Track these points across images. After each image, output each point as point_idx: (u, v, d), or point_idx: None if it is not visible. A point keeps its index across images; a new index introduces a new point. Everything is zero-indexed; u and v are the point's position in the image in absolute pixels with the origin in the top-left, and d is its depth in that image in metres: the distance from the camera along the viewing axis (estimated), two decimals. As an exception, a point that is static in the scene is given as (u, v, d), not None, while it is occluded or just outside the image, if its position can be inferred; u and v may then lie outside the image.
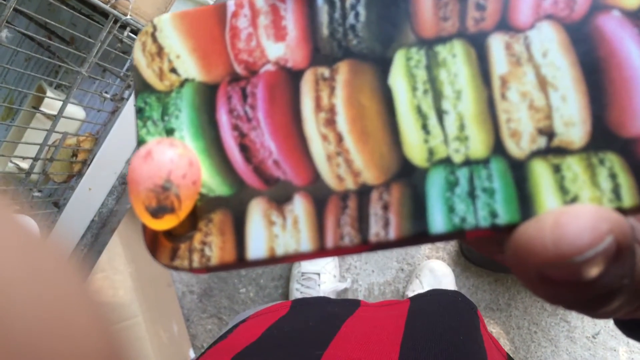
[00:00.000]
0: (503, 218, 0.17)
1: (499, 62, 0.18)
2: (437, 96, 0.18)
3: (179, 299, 1.48)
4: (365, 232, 0.18)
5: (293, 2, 0.19)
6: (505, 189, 0.17)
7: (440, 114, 0.18)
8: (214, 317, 1.47)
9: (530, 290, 0.17)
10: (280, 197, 0.18)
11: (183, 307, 1.48)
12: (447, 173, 0.17)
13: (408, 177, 0.18)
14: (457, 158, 0.18)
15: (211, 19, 0.20)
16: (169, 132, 0.19)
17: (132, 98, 0.74)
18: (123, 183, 0.82)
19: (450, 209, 0.17)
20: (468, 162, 0.17)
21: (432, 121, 0.18)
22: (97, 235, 0.81)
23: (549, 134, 0.17)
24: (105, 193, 0.80)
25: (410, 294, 1.33)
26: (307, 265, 1.34)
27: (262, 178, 0.19)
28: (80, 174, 0.74)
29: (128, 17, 0.65)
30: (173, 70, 0.20)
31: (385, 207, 0.18)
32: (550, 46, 0.17)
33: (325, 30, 0.19)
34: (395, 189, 0.18)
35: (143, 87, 0.20)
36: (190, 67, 0.20)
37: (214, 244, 0.18)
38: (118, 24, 0.65)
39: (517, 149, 0.17)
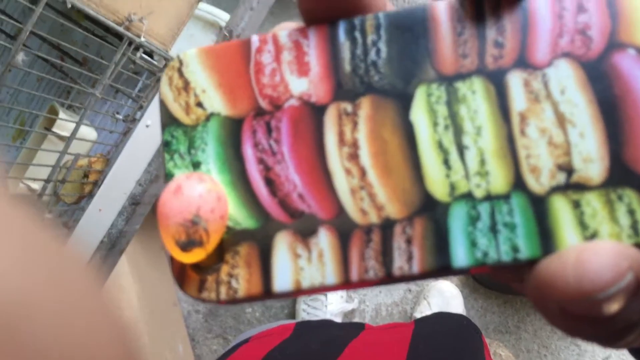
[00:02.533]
0: (525, 253, 0.17)
1: (517, 99, 0.18)
2: (458, 132, 0.18)
3: (185, 319, 1.47)
4: (389, 265, 0.18)
5: (316, 38, 0.19)
6: (526, 224, 0.17)
7: (461, 149, 0.18)
8: (219, 337, 1.46)
9: (549, 322, 0.17)
10: (305, 230, 0.19)
11: (188, 327, 1.46)
12: (468, 208, 0.18)
13: (430, 211, 0.18)
14: (479, 193, 0.18)
15: (236, 54, 0.20)
16: (196, 165, 0.20)
17: (143, 118, 0.74)
18: (133, 204, 0.81)
19: (473, 243, 0.17)
20: (489, 197, 0.18)
21: (453, 156, 0.18)
22: (106, 256, 0.81)
23: (568, 170, 0.17)
24: (115, 214, 0.80)
25: (418, 315, 1.32)
26: (314, 286, 1.33)
27: (287, 211, 0.19)
28: (91, 195, 0.73)
29: (142, 39, 0.65)
30: (199, 105, 0.20)
31: (409, 241, 0.18)
32: (567, 83, 0.18)
33: (347, 66, 0.19)
34: (418, 223, 0.18)
35: (170, 121, 0.20)
36: (215, 102, 0.20)
37: (240, 276, 0.19)
38: (132, 46, 0.65)
39: (537, 184, 0.17)
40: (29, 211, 0.14)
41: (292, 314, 1.41)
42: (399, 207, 0.18)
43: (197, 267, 0.19)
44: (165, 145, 0.20)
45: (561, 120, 0.18)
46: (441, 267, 0.18)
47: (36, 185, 0.69)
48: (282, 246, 0.19)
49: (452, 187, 0.18)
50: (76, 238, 0.75)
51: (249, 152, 0.19)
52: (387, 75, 0.19)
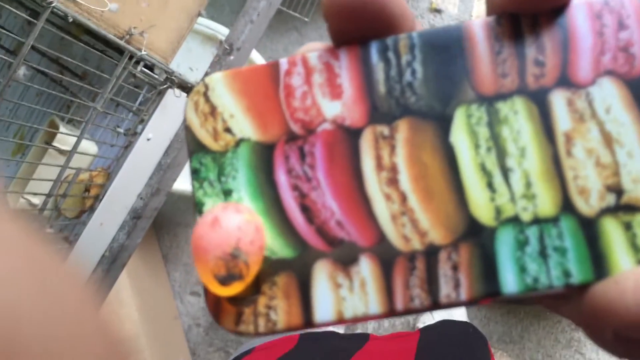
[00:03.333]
0: (577, 277, 0.17)
1: (562, 119, 0.17)
2: (501, 154, 0.18)
3: (185, 332, 1.46)
4: (435, 293, 0.17)
5: (347, 60, 0.19)
6: (577, 247, 0.17)
7: (505, 171, 0.18)
8: (220, 350, 1.45)
9: (600, 346, 0.17)
10: (345, 258, 0.18)
11: (189, 341, 1.45)
12: (516, 232, 0.17)
13: (476, 236, 0.17)
14: (526, 216, 0.17)
15: (264, 77, 0.19)
16: (227, 193, 0.19)
17: (144, 132, 0.74)
18: (134, 217, 0.81)
19: (522, 269, 0.17)
20: (537, 221, 0.17)
21: (498, 179, 0.18)
22: (108, 270, 0.80)
23: (618, 191, 0.17)
24: (116, 228, 0.79)
25: (421, 325, 1.31)
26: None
27: (325, 239, 0.18)
28: (92, 209, 0.73)
29: (143, 52, 0.65)
30: (227, 130, 0.19)
31: (455, 268, 0.17)
32: (612, 102, 0.17)
33: (382, 88, 0.19)
34: (464, 249, 0.17)
35: (197, 148, 0.19)
36: (245, 127, 0.19)
37: (279, 307, 0.18)
38: (133, 60, 0.65)
39: (587, 206, 0.17)
40: (26, 226, 0.14)
41: (294, 327, 1.40)
42: (443, 233, 0.18)
43: (233, 298, 0.18)
44: (194, 173, 0.19)
45: (608, 140, 0.17)
46: (489, 294, 0.17)
47: (37, 200, 0.69)
48: (322, 275, 0.18)
49: (498, 210, 0.17)
50: (77, 253, 0.74)
51: (282, 178, 0.19)
52: (424, 97, 0.18)
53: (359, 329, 1.42)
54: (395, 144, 0.18)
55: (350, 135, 0.19)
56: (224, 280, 0.17)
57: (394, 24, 0.18)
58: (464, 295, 0.17)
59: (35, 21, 0.51)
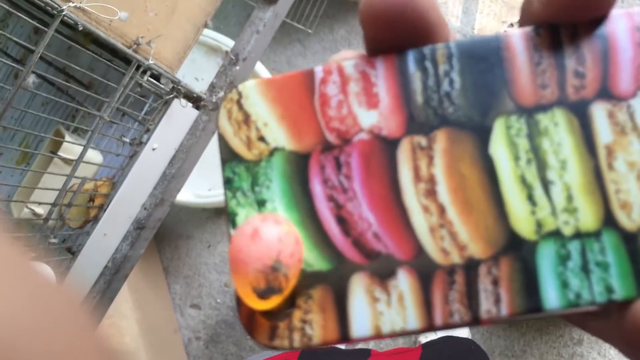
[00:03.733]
0: (619, 293, 0.16)
1: (603, 131, 0.17)
2: (542, 166, 0.17)
3: (185, 346, 1.44)
4: (475, 308, 0.17)
5: (384, 69, 0.19)
6: (620, 262, 0.17)
7: (545, 184, 0.17)
8: (220, 364, 1.43)
9: None
10: (382, 271, 0.18)
11: (189, 355, 1.44)
12: (558, 246, 0.17)
13: (517, 250, 0.17)
14: (567, 230, 0.17)
15: (298, 85, 0.19)
16: (261, 203, 0.19)
17: (150, 142, 0.74)
18: (138, 228, 0.80)
19: (564, 284, 0.17)
20: (579, 235, 0.17)
21: (538, 192, 0.17)
22: (110, 281, 0.79)
23: None
24: (119, 238, 0.79)
25: (423, 339, 1.30)
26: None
27: (362, 252, 0.18)
28: (96, 219, 0.72)
29: (151, 61, 0.65)
30: (261, 139, 0.19)
31: (495, 282, 0.17)
32: None
33: (419, 98, 0.18)
34: (505, 263, 0.17)
35: (230, 157, 0.19)
36: (279, 136, 0.19)
37: (315, 322, 0.18)
38: (140, 70, 0.65)
39: (629, 220, 0.17)
40: (20, 247, 0.14)
41: (295, 340, 1.39)
42: (483, 246, 0.17)
43: (268, 312, 0.18)
44: (227, 182, 0.19)
45: None
46: (531, 310, 0.17)
47: (41, 210, 0.68)
48: (359, 289, 0.18)
49: (539, 224, 0.17)
50: (80, 264, 0.74)
51: (317, 188, 0.18)
52: (462, 107, 0.18)
53: (360, 344, 1.41)
54: (433, 155, 0.18)
55: (387, 146, 0.18)
56: (263, 294, 0.17)
57: (430, 33, 0.18)
58: (504, 310, 0.17)
59: (45, 29, 0.51)
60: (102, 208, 0.72)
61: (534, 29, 0.18)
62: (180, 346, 1.42)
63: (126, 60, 0.66)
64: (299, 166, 0.19)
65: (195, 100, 0.76)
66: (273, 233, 0.17)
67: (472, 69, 0.18)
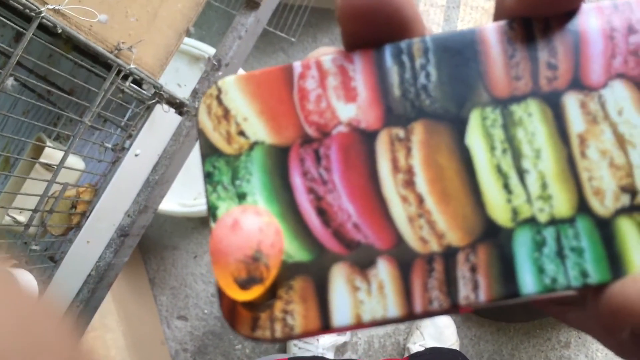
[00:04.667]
0: (594, 278, 0.17)
1: (575, 121, 0.18)
2: (517, 155, 0.18)
3: (172, 358, 1.43)
4: (454, 295, 0.17)
5: (362, 63, 0.19)
6: (594, 247, 0.17)
7: (521, 173, 0.18)
8: (208, 376, 1.42)
9: (614, 349, 0.18)
10: (362, 261, 0.18)
11: (176, 367, 1.42)
12: (533, 233, 0.18)
13: (494, 237, 0.18)
14: (542, 217, 0.18)
15: (277, 80, 0.19)
16: (241, 196, 0.19)
17: (132, 147, 0.73)
18: (121, 235, 0.79)
19: (540, 270, 0.17)
20: (554, 222, 0.18)
21: (514, 180, 0.18)
22: (94, 290, 0.78)
23: (632, 191, 0.17)
24: (103, 246, 0.78)
25: (411, 345, 1.30)
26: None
27: (342, 242, 0.18)
28: (78, 226, 0.72)
29: (132, 66, 0.65)
30: (241, 133, 0.19)
31: (473, 269, 0.18)
32: (624, 105, 0.18)
33: (396, 91, 0.19)
34: (482, 251, 0.18)
35: (210, 151, 0.19)
36: (259, 130, 0.19)
37: (296, 312, 0.18)
38: (121, 75, 0.64)
39: (602, 207, 0.17)
40: (2, 261, 0.14)
41: (284, 350, 1.38)
42: (461, 235, 0.18)
43: (249, 304, 0.18)
44: (207, 176, 0.19)
45: (621, 142, 0.18)
46: (509, 295, 0.17)
47: (22, 217, 0.67)
48: (340, 279, 0.18)
49: (515, 212, 0.18)
50: (63, 272, 0.73)
51: (297, 181, 0.19)
52: (439, 99, 0.18)
53: (349, 350, 1.40)
54: (411, 146, 0.18)
55: (365, 138, 0.19)
56: (244, 284, 0.17)
57: (406, 28, 0.19)
58: (482, 296, 0.17)
59: (24, 31, 0.51)
60: (84, 215, 0.71)
61: (508, 23, 0.19)
62: (168, 358, 1.41)
63: (107, 66, 0.66)
64: (278, 159, 0.19)
65: (178, 105, 0.76)
66: (253, 223, 0.18)
67: (447, 62, 0.19)
